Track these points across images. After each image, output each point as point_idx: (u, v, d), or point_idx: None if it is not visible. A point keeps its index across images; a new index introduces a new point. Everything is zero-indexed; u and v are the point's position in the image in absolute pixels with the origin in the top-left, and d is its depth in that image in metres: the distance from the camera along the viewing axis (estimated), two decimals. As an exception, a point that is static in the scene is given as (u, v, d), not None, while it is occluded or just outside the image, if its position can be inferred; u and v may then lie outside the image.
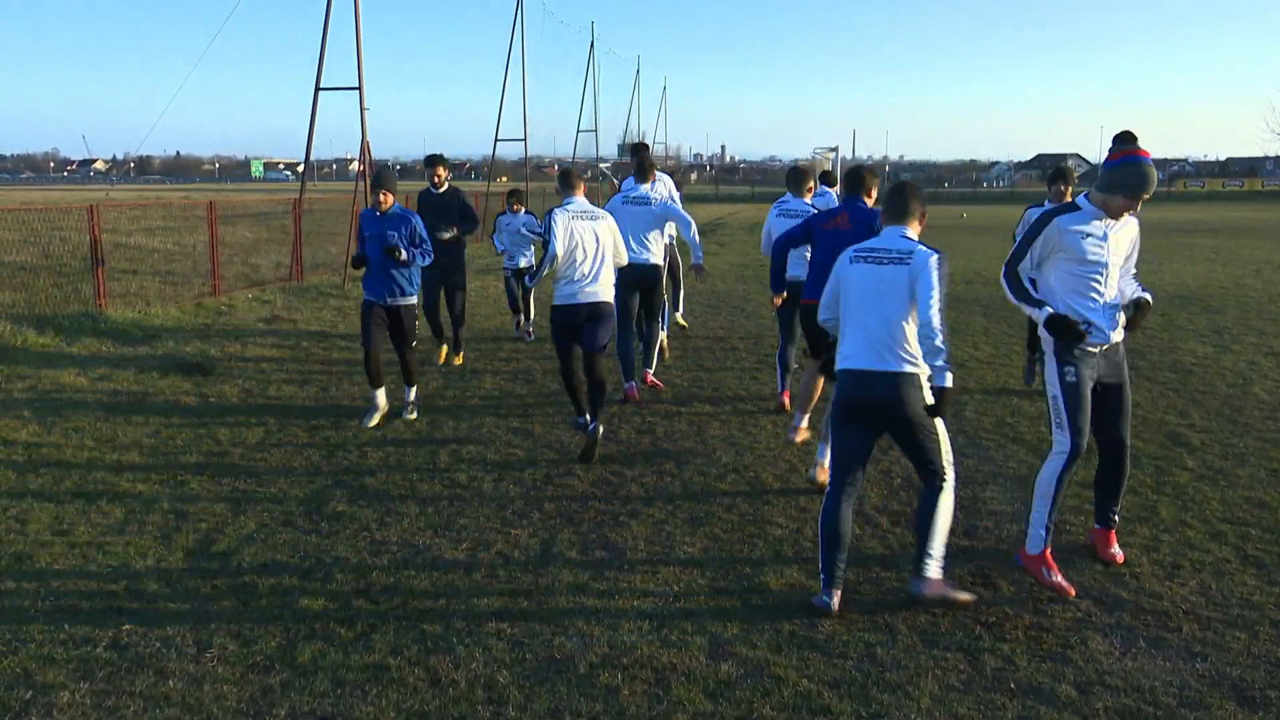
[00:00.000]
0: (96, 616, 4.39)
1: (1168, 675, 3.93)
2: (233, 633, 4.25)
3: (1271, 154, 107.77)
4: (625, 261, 7.32)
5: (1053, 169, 9.00)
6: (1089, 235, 4.68)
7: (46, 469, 6.45)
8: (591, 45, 43.50)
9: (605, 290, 7.02)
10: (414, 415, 7.88)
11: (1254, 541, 5.30)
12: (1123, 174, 4.61)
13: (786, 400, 8.09)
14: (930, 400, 4.44)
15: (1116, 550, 5.04)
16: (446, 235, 9.52)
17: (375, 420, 7.65)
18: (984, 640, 4.22)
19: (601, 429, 6.87)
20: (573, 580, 4.82)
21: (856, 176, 6.22)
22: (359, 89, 16.46)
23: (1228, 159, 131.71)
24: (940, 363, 4.33)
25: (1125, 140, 4.67)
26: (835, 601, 4.46)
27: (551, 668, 3.98)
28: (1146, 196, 4.64)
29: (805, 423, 7.00)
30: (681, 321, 12.07)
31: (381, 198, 7.68)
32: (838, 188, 10.33)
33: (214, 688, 3.81)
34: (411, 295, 7.84)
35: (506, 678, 3.90)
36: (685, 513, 5.76)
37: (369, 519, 5.64)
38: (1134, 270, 4.91)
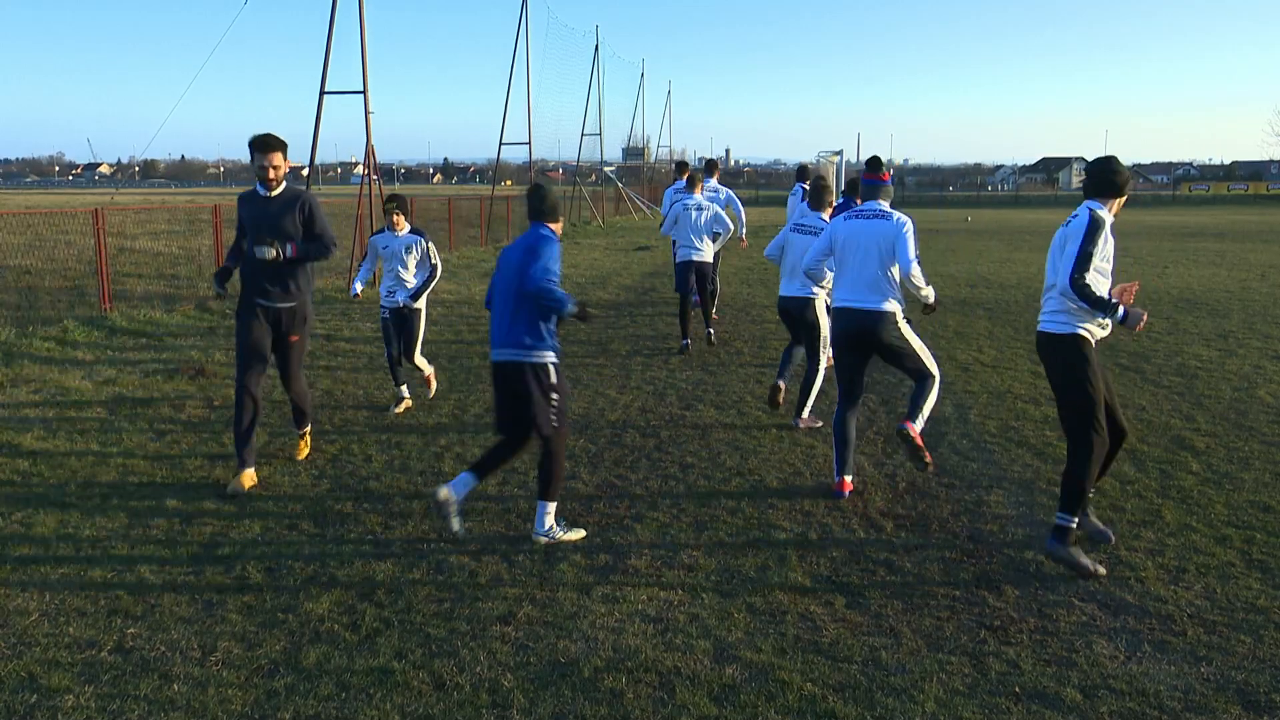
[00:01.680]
0: (101, 620, 4.40)
1: (1173, 679, 3.92)
2: (237, 636, 4.26)
3: (1276, 158, 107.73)
4: (732, 229, 11.58)
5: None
6: None
7: (51, 472, 6.46)
8: (596, 49, 43.51)
9: (707, 253, 11.17)
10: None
11: (1259, 545, 5.29)
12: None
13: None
14: (822, 317, 7.62)
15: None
16: (270, 253, 6.17)
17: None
18: (989, 644, 4.22)
19: (714, 333, 11.72)
20: (577, 584, 4.82)
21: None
22: (364, 93, 16.49)
23: (1232, 163, 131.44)
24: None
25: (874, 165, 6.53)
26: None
27: (556, 671, 3.98)
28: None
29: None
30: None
31: None
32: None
33: (219, 691, 3.81)
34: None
35: (511, 681, 3.90)
36: (689, 516, 5.76)
37: (373, 522, 5.64)
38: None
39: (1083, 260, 4.81)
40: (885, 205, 6.23)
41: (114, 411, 8.06)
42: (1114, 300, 4.87)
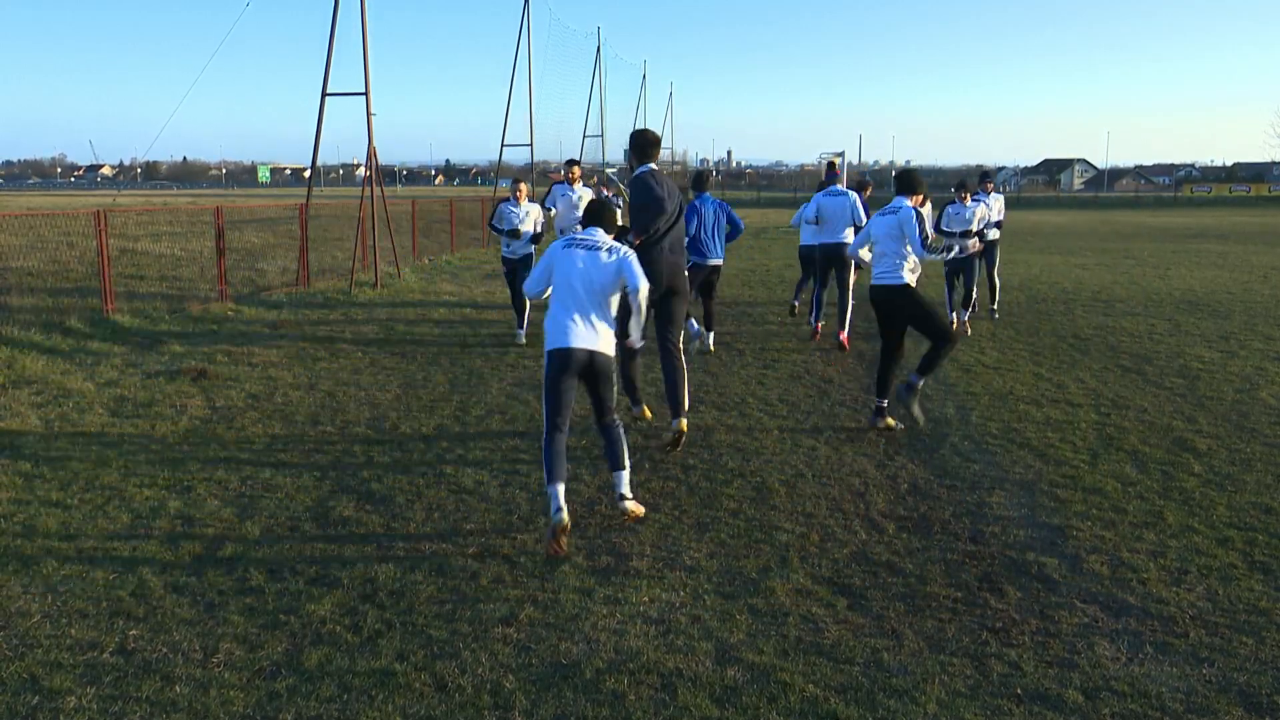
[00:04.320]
0: (103, 622, 4.40)
1: (1175, 681, 3.92)
2: (239, 638, 4.26)
3: (1278, 159, 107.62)
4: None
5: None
6: None
7: (53, 474, 6.46)
8: (598, 51, 43.50)
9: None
10: None
11: (1261, 547, 5.29)
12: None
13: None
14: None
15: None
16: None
17: None
18: (990, 645, 4.22)
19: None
20: (579, 585, 4.82)
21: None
22: (365, 94, 16.49)
23: (1234, 164, 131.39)
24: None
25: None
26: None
27: (558, 673, 3.98)
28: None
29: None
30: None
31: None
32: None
33: (220, 693, 3.82)
34: None
35: (513, 683, 3.90)
36: (691, 518, 5.76)
37: (375, 524, 5.64)
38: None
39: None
40: (840, 187, 10.92)
41: (116, 413, 8.07)
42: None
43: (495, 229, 11.75)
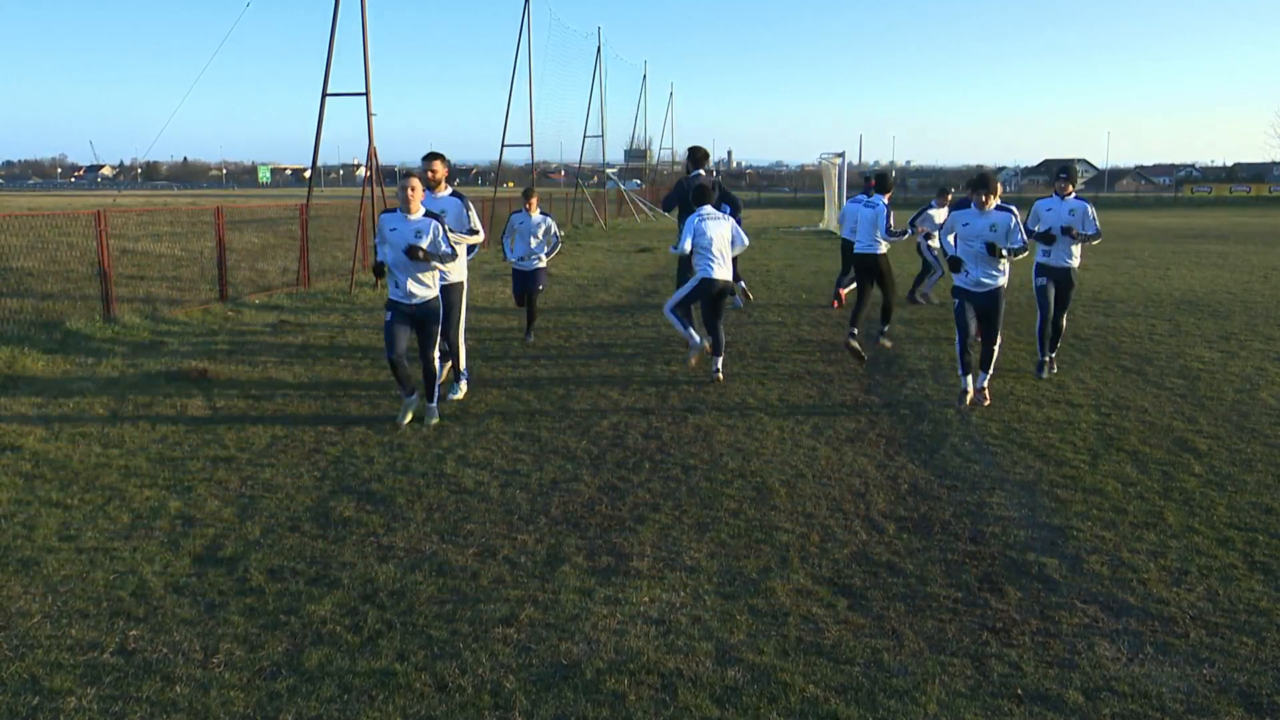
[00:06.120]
0: (103, 622, 4.40)
1: (1175, 681, 3.92)
2: (239, 638, 4.26)
3: (1278, 159, 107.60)
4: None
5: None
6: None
7: (53, 474, 6.46)
8: (598, 51, 43.57)
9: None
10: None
11: (1261, 547, 5.29)
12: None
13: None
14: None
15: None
16: None
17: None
18: (991, 646, 4.21)
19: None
20: (579, 586, 4.82)
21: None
22: (366, 95, 16.49)
23: (1235, 164, 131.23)
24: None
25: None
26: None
27: (558, 673, 3.98)
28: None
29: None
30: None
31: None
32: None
33: (220, 693, 3.82)
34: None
35: (513, 683, 3.90)
36: (691, 519, 5.76)
37: (375, 524, 5.64)
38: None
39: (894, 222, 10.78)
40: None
41: (116, 413, 8.07)
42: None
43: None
